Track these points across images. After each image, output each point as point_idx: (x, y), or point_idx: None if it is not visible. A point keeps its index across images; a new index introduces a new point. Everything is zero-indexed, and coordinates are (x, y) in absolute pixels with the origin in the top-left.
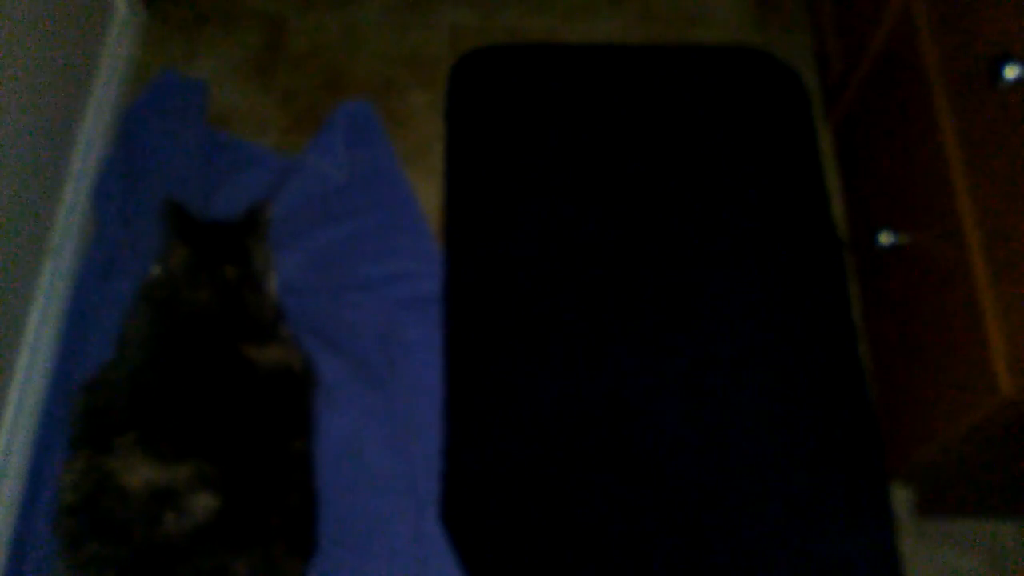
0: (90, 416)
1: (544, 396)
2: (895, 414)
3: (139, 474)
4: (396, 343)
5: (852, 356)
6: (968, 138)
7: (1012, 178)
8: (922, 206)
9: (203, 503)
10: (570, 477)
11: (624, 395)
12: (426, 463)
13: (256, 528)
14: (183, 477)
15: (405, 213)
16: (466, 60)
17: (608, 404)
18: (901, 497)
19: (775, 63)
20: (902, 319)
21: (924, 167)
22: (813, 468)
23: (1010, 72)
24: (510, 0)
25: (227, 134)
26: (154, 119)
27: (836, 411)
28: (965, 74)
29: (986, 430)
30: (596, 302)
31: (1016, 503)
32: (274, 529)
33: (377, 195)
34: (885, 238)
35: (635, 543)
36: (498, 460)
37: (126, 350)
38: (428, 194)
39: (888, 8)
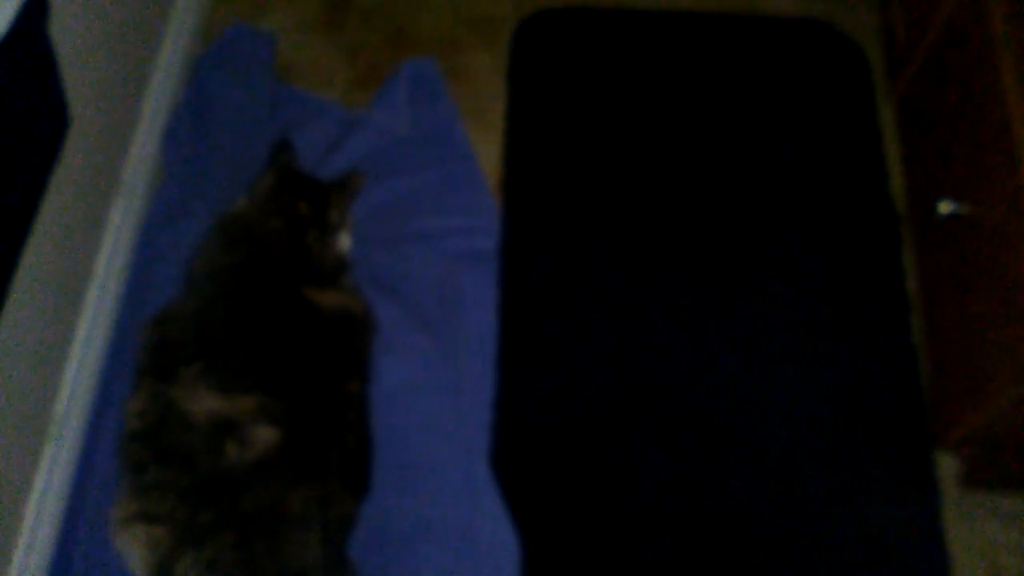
0: (158, 348)
1: (595, 352)
2: (947, 383)
3: (202, 404)
4: (452, 295)
5: (903, 328)
6: None
7: None
8: (985, 176)
9: (264, 436)
10: (618, 431)
11: (676, 357)
12: (477, 411)
13: (314, 464)
14: (245, 409)
15: (464, 169)
16: (531, 21)
17: (659, 365)
18: (948, 468)
19: (838, 36)
20: (957, 288)
21: (988, 137)
22: (860, 436)
23: None
24: None
25: (293, 86)
26: (223, 69)
27: (885, 382)
28: None
29: None
30: (651, 264)
31: None
32: (331, 466)
33: (438, 151)
34: (945, 207)
35: (681, 498)
36: (548, 411)
37: (194, 283)
38: (487, 152)
39: None
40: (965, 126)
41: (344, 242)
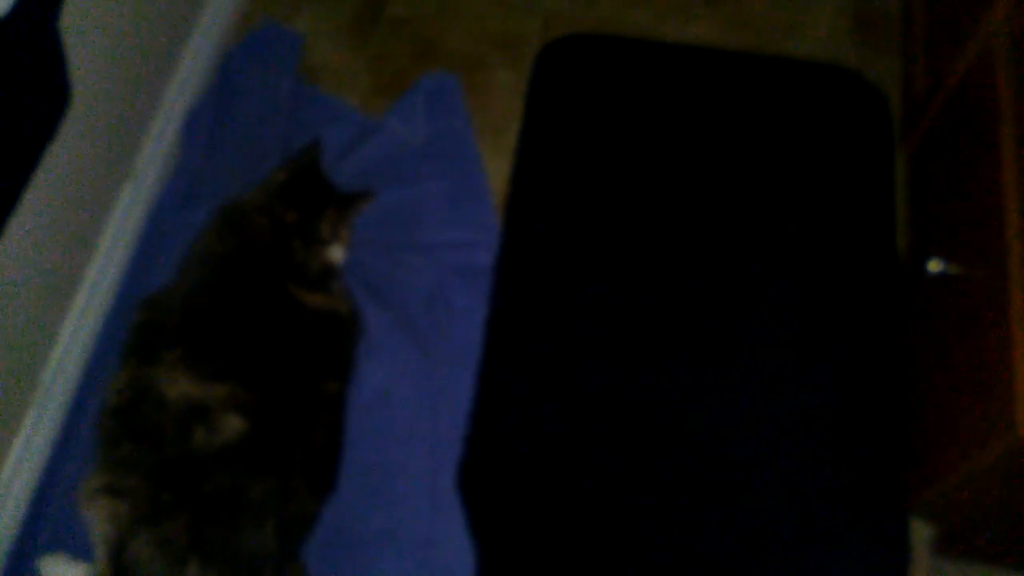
0: (144, 330)
1: (577, 381)
2: (922, 447)
3: (178, 387)
4: (443, 307)
5: (894, 387)
6: None
7: None
8: (975, 240)
9: (232, 424)
10: (592, 463)
11: (659, 393)
12: (451, 426)
13: (278, 458)
14: (218, 396)
15: (471, 185)
16: (555, 45)
17: (641, 399)
18: (922, 534)
19: (863, 84)
20: (937, 349)
21: (982, 202)
22: (835, 493)
23: None
24: None
25: (316, 88)
26: (250, 64)
27: (869, 442)
28: None
29: (1002, 471)
30: (646, 298)
31: None
32: (295, 462)
33: (447, 164)
34: (935, 265)
35: (645, 538)
36: (523, 434)
37: (186, 269)
38: (497, 170)
39: (970, 42)
40: (963, 188)
41: (335, 255)
